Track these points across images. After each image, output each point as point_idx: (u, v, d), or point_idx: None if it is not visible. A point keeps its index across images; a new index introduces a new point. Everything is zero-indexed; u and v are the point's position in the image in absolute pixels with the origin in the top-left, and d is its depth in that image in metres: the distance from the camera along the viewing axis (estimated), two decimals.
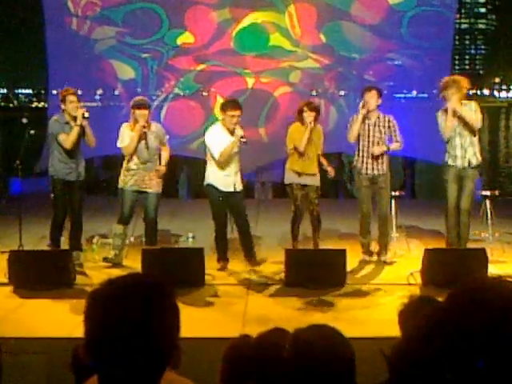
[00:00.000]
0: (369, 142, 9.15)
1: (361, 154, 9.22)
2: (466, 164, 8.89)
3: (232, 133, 8.79)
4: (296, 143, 9.25)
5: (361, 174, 9.26)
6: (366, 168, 9.18)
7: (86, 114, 8.95)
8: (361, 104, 9.17)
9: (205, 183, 9.11)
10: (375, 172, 9.17)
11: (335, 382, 2.68)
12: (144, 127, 8.85)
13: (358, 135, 9.16)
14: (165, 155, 9.24)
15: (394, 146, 9.22)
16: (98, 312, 1.95)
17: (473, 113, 8.85)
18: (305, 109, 9.33)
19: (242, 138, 8.72)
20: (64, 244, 9.41)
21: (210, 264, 8.63)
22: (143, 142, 8.93)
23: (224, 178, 8.92)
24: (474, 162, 8.91)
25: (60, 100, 9.16)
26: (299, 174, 9.32)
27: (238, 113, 8.76)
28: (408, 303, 3.43)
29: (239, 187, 9.06)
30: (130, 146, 8.92)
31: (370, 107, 9.08)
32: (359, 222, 9.47)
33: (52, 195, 9.18)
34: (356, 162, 9.32)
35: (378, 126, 9.14)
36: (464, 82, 8.98)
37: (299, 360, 2.70)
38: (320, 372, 2.67)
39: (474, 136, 8.92)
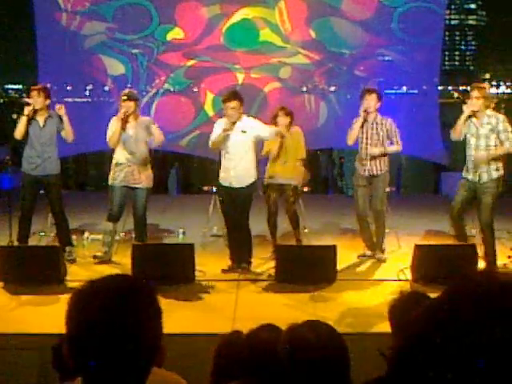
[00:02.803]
0: (367, 143, 9.15)
1: (360, 155, 9.23)
2: (477, 179, 8.60)
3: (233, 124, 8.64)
4: (270, 149, 9.31)
5: (359, 174, 9.27)
6: (366, 169, 9.18)
7: (30, 101, 8.97)
8: (362, 108, 9.12)
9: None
10: (372, 172, 9.16)
11: (330, 378, 2.69)
12: (125, 114, 8.84)
13: (358, 137, 9.17)
14: (157, 137, 9.18)
15: (392, 148, 9.21)
16: (80, 313, 1.95)
17: (507, 134, 8.48)
18: (279, 113, 9.37)
19: (225, 130, 8.55)
20: (54, 240, 9.44)
21: (201, 260, 8.62)
22: (128, 131, 8.92)
23: (225, 172, 8.77)
24: (485, 178, 8.56)
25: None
26: (272, 177, 9.40)
27: (232, 104, 8.58)
28: (398, 299, 3.44)
29: (240, 184, 8.75)
30: (114, 136, 8.90)
31: (371, 110, 9.08)
32: (357, 221, 9.45)
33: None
34: (355, 162, 9.35)
35: (376, 128, 9.13)
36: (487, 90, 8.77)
37: (294, 356, 2.71)
38: (315, 368, 2.67)
39: (491, 150, 8.51)
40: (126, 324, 1.90)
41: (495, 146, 8.54)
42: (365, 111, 9.08)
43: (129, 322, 1.91)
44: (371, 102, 9.08)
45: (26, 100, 9.00)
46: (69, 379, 2.18)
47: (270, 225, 9.53)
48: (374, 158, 9.13)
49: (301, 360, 2.69)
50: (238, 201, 8.77)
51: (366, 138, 9.15)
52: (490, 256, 8.59)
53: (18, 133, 8.96)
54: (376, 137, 9.12)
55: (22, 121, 8.92)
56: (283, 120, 9.30)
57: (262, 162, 11.78)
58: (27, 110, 8.92)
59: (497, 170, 8.58)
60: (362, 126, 9.14)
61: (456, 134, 8.69)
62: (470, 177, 8.67)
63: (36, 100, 8.98)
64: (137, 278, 2.11)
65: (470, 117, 8.59)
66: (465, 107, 8.56)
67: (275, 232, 9.55)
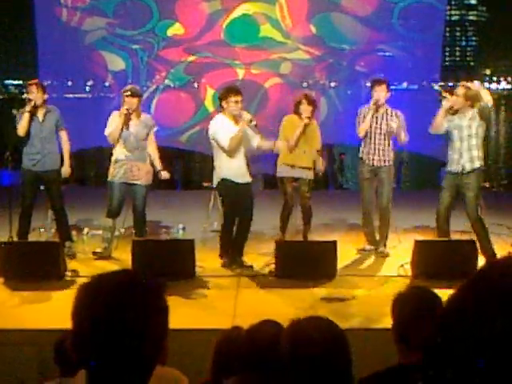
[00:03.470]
0: (375, 134, 9.13)
1: (367, 146, 9.21)
2: (460, 169, 8.67)
3: (236, 120, 8.58)
4: (288, 137, 9.21)
5: (364, 166, 9.24)
6: (370, 159, 9.16)
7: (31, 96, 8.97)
8: (373, 99, 9.10)
9: (217, 179, 8.79)
10: (379, 163, 9.15)
11: (332, 373, 2.68)
12: (127, 110, 8.82)
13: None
14: (154, 152, 9.21)
15: (403, 135, 9.17)
16: (85, 308, 1.94)
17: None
18: (303, 101, 9.26)
19: (250, 121, 8.51)
20: (54, 236, 9.45)
21: (201, 256, 8.62)
22: (129, 128, 8.91)
23: (238, 169, 8.69)
24: (468, 167, 8.66)
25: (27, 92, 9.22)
26: (291, 167, 9.31)
27: (240, 98, 8.56)
28: (402, 293, 3.44)
29: (249, 179, 8.86)
30: (115, 132, 8.89)
31: (382, 101, 9.06)
32: (362, 213, 9.43)
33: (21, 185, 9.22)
34: (361, 154, 9.30)
35: (386, 119, 9.11)
36: (473, 91, 8.81)
37: (296, 352, 2.70)
38: (317, 364, 2.67)
39: (474, 141, 8.67)
40: (132, 320, 1.90)
41: (476, 133, 8.69)
42: (374, 103, 9.06)
43: (134, 318, 1.90)
44: (381, 93, 9.06)
45: (29, 96, 8.98)
46: (70, 374, 2.18)
47: (284, 219, 9.48)
48: (380, 150, 9.13)
49: (303, 356, 2.68)
50: (250, 196, 8.81)
51: (375, 128, 9.12)
52: (487, 249, 8.60)
53: (22, 129, 8.94)
54: (385, 127, 9.09)
55: (25, 117, 8.91)
56: (306, 108, 9.23)
57: (262, 157, 11.77)
58: (29, 106, 8.90)
59: (478, 159, 8.73)
60: (372, 117, 9.11)
61: (434, 128, 8.81)
62: (453, 168, 8.74)
63: (36, 95, 8.98)
64: (143, 273, 2.09)
65: (453, 114, 8.73)
66: (444, 102, 8.66)
67: (286, 227, 9.53)
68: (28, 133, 9.00)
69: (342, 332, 2.81)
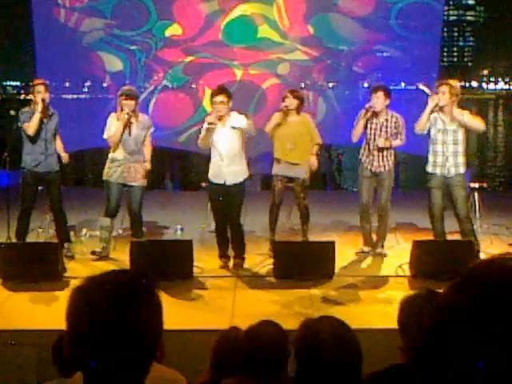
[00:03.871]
0: (375, 140, 9.10)
1: (366, 151, 9.18)
2: (446, 172, 8.74)
3: (221, 120, 8.57)
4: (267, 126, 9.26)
5: (364, 168, 9.22)
6: (370, 165, 9.12)
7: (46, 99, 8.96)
8: (364, 108, 9.07)
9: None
10: (378, 170, 9.11)
11: (342, 374, 2.69)
12: (128, 114, 8.81)
13: (365, 132, 9.12)
14: (147, 151, 9.17)
15: (395, 142, 9.14)
16: (82, 309, 1.93)
17: (470, 118, 8.72)
18: (288, 95, 9.30)
19: (209, 123, 8.48)
20: (53, 237, 9.45)
21: (199, 256, 8.62)
22: (128, 131, 8.89)
23: (215, 170, 8.70)
24: (453, 171, 8.74)
25: (31, 92, 9.18)
26: (278, 161, 9.30)
27: (221, 97, 8.49)
28: (410, 295, 3.42)
29: (233, 181, 8.70)
30: (115, 136, 8.88)
31: (377, 109, 9.03)
32: (359, 213, 9.41)
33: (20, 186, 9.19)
34: (361, 156, 9.28)
35: (386, 126, 9.07)
36: (457, 88, 8.86)
37: (307, 351, 2.71)
38: (328, 363, 2.68)
39: (460, 147, 8.74)
40: (127, 320, 1.89)
41: (462, 140, 8.75)
42: (366, 110, 9.03)
43: (129, 318, 1.90)
44: (379, 99, 9.03)
45: (39, 96, 8.91)
46: (68, 375, 2.17)
47: (272, 216, 9.45)
48: (380, 154, 9.10)
49: (314, 356, 2.69)
50: (232, 198, 8.73)
51: (375, 135, 9.08)
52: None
53: (31, 129, 8.90)
54: (385, 135, 9.06)
55: (36, 117, 8.86)
56: (289, 101, 9.22)
57: (261, 158, 11.76)
58: (41, 106, 8.87)
59: (463, 165, 8.79)
60: (371, 123, 9.08)
61: (419, 127, 8.81)
62: (437, 172, 8.78)
63: (44, 95, 8.96)
64: (136, 273, 2.09)
65: (437, 112, 8.75)
66: (430, 100, 8.67)
67: (275, 226, 9.49)
68: (34, 133, 8.99)
69: (353, 332, 2.82)
